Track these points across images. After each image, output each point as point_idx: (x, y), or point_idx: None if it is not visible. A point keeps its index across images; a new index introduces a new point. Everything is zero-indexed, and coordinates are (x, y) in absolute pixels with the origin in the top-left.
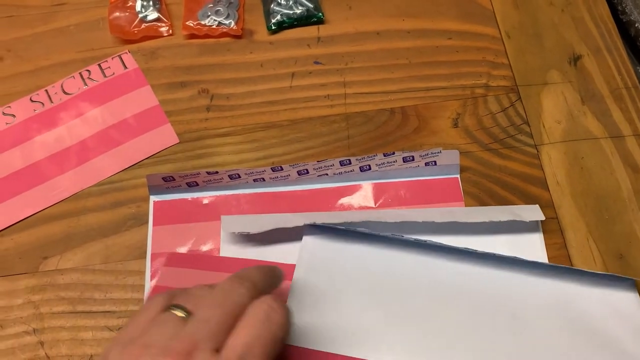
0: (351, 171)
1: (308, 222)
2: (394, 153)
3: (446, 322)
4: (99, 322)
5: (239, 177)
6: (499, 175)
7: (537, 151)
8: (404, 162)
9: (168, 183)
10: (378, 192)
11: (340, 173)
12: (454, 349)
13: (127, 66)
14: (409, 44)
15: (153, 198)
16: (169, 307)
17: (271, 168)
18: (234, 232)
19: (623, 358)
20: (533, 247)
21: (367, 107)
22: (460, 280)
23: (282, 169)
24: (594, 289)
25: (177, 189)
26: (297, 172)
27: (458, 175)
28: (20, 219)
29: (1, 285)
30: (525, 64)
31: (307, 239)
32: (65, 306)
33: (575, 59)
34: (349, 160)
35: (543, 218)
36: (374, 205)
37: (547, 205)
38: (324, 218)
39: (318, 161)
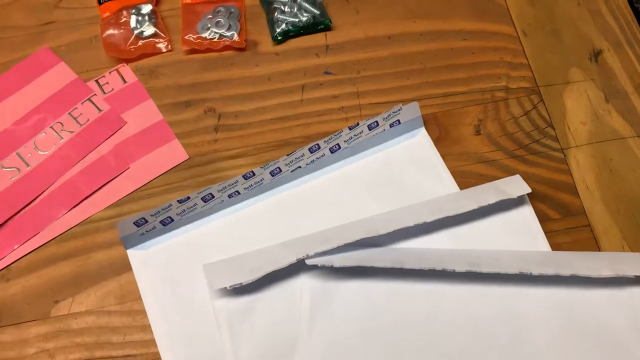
0: (322, 156)
1: (299, 255)
2: (358, 124)
3: (449, 351)
4: None
5: (213, 197)
6: (527, 184)
7: (564, 155)
8: (369, 130)
9: (141, 228)
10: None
11: (313, 161)
12: None
13: (126, 80)
14: (422, 47)
15: (130, 253)
16: None
17: (242, 176)
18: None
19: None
20: (525, 221)
21: None
22: (462, 304)
23: (254, 174)
24: (599, 290)
25: (152, 232)
26: (270, 172)
27: (422, 127)
28: (31, 250)
29: (11, 334)
30: (545, 63)
31: (305, 280)
32: (81, 353)
33: (596, 55)
34: (318, 145)
35: (529, 190)
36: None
37: (578, 213)
38: (313, 244)
39: (287, 155)
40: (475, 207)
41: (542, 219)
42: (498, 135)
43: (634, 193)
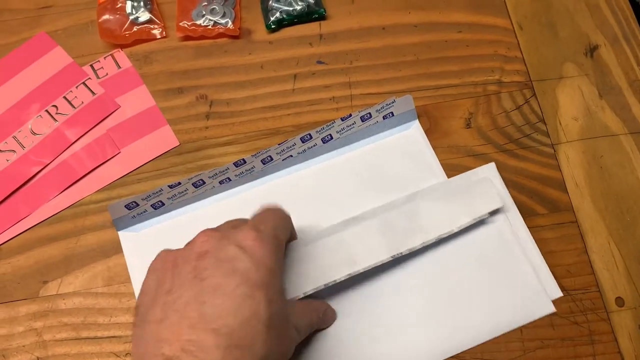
0: (314, 146)
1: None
2: (350, 115)
3: None
4: (105, 348)
5: (204, 182)
6: (516, 179)
7: (554, 151)
8: (362, 121)
9: (132, 211)
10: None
11: (304, 151)
12: None
13: (120, 65)
14: (416, 39)
15: (121, 234)
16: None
17: (234, 163)
18: None
19: None
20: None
21: None
22: None
23: (245, 161)
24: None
25: (143, 215)
26: (261, 160)
27: (416, 120)
28: (22, 231)
29: (1, 312)
30: (539, 57)
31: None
32: (68, 332)
33: (592, 50)
34: (310, 135)
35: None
36: None
37: (566, 209)
38: (298, 285)
39: (279, 144)
40: (454, 229)
41: (529, 213)
42: (489, 129)
43: (623, 190)
